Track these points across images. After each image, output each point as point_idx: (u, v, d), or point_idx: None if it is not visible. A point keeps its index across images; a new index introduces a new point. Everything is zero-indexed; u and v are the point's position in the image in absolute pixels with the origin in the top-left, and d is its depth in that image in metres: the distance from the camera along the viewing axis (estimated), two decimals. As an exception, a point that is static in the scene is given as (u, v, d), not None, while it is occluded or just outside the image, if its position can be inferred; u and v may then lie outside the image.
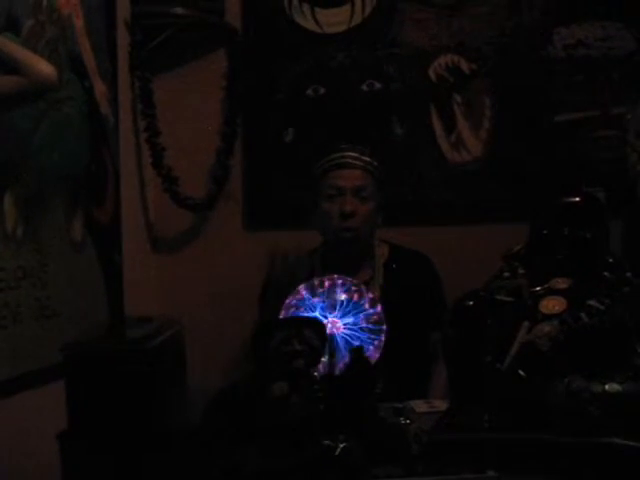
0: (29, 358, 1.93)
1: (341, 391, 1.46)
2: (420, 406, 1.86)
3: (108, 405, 1.38)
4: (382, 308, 1.79)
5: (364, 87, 2.92)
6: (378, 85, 2.91)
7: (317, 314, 1.63)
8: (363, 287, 1.75)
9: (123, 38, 2.69)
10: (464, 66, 2.89)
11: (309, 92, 2.93)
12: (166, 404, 1.41)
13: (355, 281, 1.75)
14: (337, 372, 1.58)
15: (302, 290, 1.69)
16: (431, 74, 2.90)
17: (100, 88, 2.39)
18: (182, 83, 2.93)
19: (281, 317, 1.67)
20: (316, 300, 1.65)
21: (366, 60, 2.92)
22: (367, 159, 2.43)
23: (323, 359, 1.56)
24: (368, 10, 2.91)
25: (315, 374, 1.51)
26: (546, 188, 2.51)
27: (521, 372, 1.43)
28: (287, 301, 1.74)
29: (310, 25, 2.93)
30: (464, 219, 2.87)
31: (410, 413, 1.71)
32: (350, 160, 2.39)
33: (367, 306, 1.69)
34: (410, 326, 2.28)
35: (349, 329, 1.65)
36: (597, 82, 2.87)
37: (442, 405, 1.82)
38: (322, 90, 2.92)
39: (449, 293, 2.45)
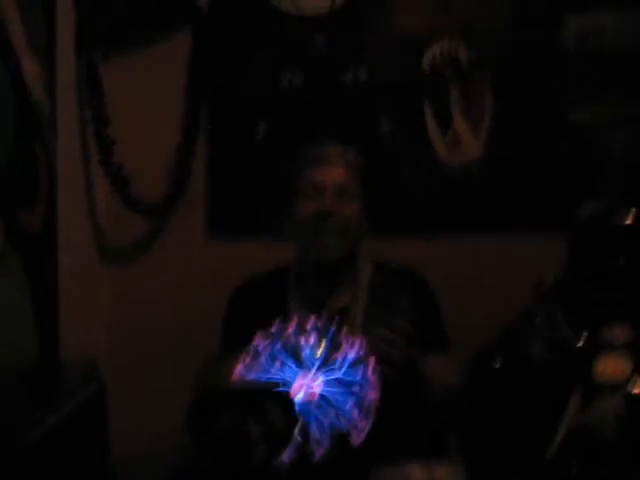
0: None
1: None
2: (416, 475, 1.51)
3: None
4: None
5: (347, 78, 2.68)
6: (363, 75, 2.68)
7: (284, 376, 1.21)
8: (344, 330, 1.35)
9: (66, 11, 2.38)
10: (463, 55, 2.66)
11: (284, 82, 2.70)
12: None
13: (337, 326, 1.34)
14: (315, 459, 1.16)
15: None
16: (425, 64, 2.67)
17: (31, 69, 2.02)
18: (137, 68, 2.66)
19: (232, 385, 1.24)
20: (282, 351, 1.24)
21: (350, 47, 2.69)
22: (352, 156, 2.13)
23: (293, 443, 1.14)
24: (355, -11, 2.69)
25: (283, 467, 1.09)
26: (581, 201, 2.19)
27: (574, 466, 1.03)
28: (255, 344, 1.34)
29: (286, 6, 2.68)
30: (461, 229, 2.64)
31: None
32: (332, 156, 2.05)
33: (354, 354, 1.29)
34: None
35: (330, 391, 1.25)
36: (612, 76, 2.62)
37: (445, 474, 1.46)
38: (299, 80, 2.70)
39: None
